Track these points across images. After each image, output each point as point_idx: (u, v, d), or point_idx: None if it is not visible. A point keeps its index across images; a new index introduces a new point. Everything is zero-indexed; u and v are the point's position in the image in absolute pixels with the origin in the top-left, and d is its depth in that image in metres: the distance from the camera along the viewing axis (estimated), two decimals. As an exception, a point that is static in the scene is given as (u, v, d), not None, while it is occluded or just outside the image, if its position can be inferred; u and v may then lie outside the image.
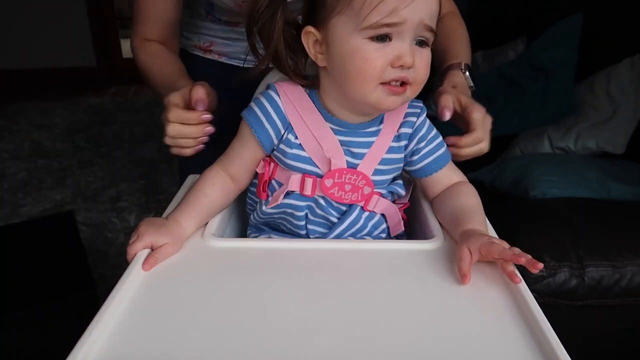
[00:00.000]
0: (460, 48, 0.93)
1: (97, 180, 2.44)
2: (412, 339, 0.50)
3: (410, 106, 0.72)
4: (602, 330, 1.06)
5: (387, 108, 0.65)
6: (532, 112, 1.69)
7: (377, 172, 0.70)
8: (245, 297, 0.57)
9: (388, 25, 0.59)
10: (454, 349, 0.49)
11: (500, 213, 0.88)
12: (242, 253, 0.65)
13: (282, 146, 0.69)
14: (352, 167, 0.68)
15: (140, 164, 2.61)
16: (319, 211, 0.70)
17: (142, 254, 0.63)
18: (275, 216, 0.73)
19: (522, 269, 0.59)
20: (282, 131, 0.69)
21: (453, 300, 0.56)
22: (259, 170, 0.73)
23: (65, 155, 2.72)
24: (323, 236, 0.71)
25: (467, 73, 0.89)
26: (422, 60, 0.63)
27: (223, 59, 1.10)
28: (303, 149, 0.68)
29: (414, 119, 0.71)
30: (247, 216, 0.80)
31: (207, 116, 0.76)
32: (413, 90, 0.64)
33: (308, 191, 0.69)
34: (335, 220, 0.71)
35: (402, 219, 0.75)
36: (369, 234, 0.72)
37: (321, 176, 0.69)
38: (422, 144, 0.72)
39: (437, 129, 0.75)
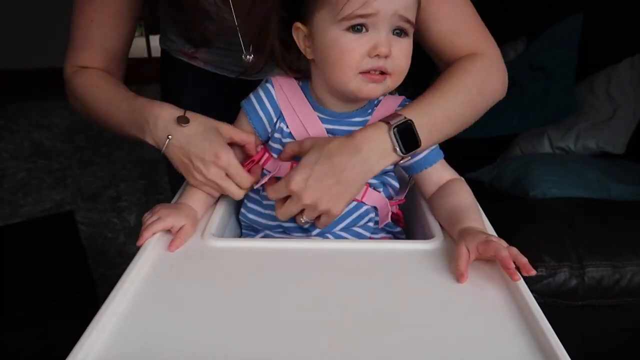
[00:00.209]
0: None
1: (97, 180, 2.45)
2: (412, 339, 0.50)
3: (403, 102, 0.74)
4: (602, 330, 1.05)
5: (367, 96, 0.67)
6: (532, 112, 1.69)
7: None
8: (245, 296, 0.57)
9: (362, 16, 0.62)
10: (454, 349, 0.49)
11: (500, 213, 0.88)
12: (242, 253, 0.65)
13: (276, 135, 0.73)
14: None
15: (140, 164, 2.61)
16: None
17: (149, 244, 0.64)
18: (265, 204, 0.74)
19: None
20: (275, 119, 0.73)
21: (453, 300, 0.56)
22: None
23: (65, 155, 2.72)
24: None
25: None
26: (400, 50, 0.64)
27: (209, 68, 1.04)
28: (293, 138, 0.71)
29: None
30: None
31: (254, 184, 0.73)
32: (393, 80, 0.66)
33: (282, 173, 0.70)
34: None
35: (397, 214, 0.76)
36: (354, 223, 0.72)
37: None
38: None
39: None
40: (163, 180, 2.40)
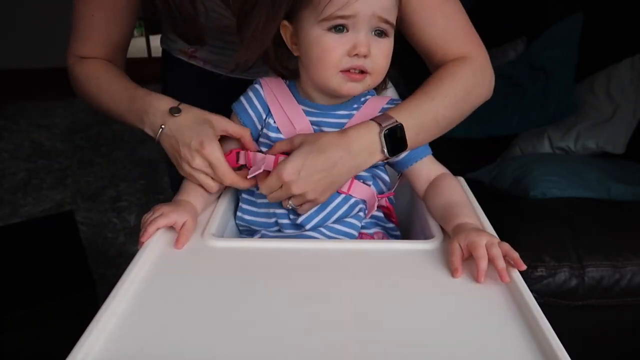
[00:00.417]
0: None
1: (97, 180, 2.45)
2: (412, 339, 0.50)
3: (390, 102, 0.75)
4: (602, 330, 1.05)
5: (348, 93, 0.70)
6: (532, 112, 1.69)
7: None
8: (244, 297, 0.57)
9: (342, 17, 0.64)
10: (454, 349, 0.49)
11: (500, 213, 0.88)
12: (242, 253, 0.65)
13: (264, 130, 0.75)
14: None
15: (140, 164, 2.61)
16: None
17: (149, 244, 0.65)
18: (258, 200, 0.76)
19: (522, 271, 0.59)
20: (264, 116, 0.76)
21: (453, 300, 0.56)
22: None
23: (65, 155, 2.72)
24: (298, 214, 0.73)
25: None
26: (379, 50, 0.67)
27: (208, 67, 1.04)
28: (280, 131, 0.74)
29: None
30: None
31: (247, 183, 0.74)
32: (373, 79, 0.69)
33: (270, 167, 0.71)
34: None
35: (387, 208, 0.78)
36: (345, 215, 0.73)
37: None
38: None
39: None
40: (163, 180, 2.40)
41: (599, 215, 1.11)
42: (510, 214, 1.14)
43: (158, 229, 0.67)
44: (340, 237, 0.72)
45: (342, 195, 0.73)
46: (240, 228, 0.79)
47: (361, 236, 0.74)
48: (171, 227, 0.68)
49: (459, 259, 0.60)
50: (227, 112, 0.78)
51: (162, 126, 0.73)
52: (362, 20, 0.65)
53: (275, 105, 0.75)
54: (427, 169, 0.75)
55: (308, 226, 0.72)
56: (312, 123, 0.73)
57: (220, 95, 1.03)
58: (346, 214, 0.73)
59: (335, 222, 0.73)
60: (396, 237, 0.78)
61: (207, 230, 0.69)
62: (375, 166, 0.73)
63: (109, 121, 3.20)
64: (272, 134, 0.74)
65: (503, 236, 0.64)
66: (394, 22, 0.67)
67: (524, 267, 0.58)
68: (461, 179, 0.80)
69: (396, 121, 0.69)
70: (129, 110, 0.78)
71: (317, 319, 0.53)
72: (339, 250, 0.66)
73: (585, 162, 1.40)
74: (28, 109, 3.35)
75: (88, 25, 0.83)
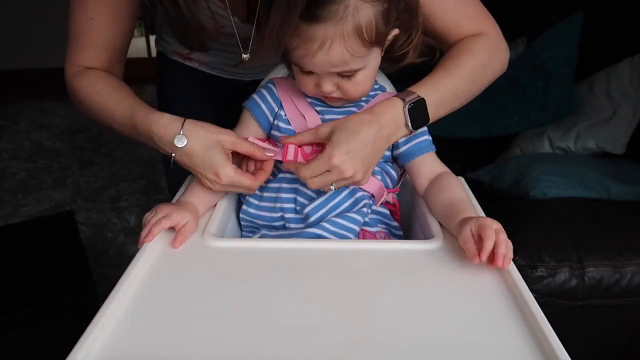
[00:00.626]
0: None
1: (97, 180, 2.45)
2: (412, 339, 0.50)
3: None
4: (602, 330, 1.05)
5: (333, 105, 0.75)
6: (532, 112, 1.69)
7: None
8: (244, 297, 0.57)
9: (302, 67, 0.68)
10: (454, 349, 0.49)
11: (500, 213, 0.88)
12: (242, 253, 0.65)
13: (276, 122, 0.77)
14: None
15: (140, 164, 2.61)
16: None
17: (148, 244, 0.65)
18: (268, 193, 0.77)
19: (522, 271, 0.59)
20: (276, 109, 0.78)
21: (453, 300, 0.56)
22: None
23: (65, 155, 2.72)
24: (307, 205, 0.73)
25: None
26: (349, 85, 0.69)
27: (204, 68, 1.05)
28: (290, 124, 0.76)
29: None
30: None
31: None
32: (353, 101, 0.74)
33: (290, 156, 0.72)
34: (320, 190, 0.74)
35: (394, 204, 0.80)
36: (349, 209, 0.74)
37: None
38: None
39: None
40: (163, 180, 2.40)
41: (599, 215, 1.11)
42: (510, 214, 1.14)
43: (162, 229, 0.67)
44: (342, 231, 0.72)
45: (349, 188, 0.74)
46: (243, 224, 0.79)
47: (363, 233, 0.74)
48: (172, 228, 0.68)
49: (474, 245, 0.60)
50: (223, 112, 0.78)
51: (173, 155, 0.73)
52: (321, 72, 0.68)
53: (288, 101, 0.77)
54: (429, 165, 0.77)
55: (313, 218, 0.73)
56: (319, 113, 0.76)
57: (215, 96, 1.04)
58: (350, 208, 0.74)
59: (338, 216, 0.73)
60: (399, 237, 0.78)
61: (207, 230, 0.69)
62: (384, 160, 0.76)
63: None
64: (283, 125, 0.77)
65: (503, 236, 0.63)
66: (361, 66, 0.67)
67: (506, 266, 0.59)
68: (461, 179, 0.80)
69: (418, 96, 0.71)
70: (136, 134, 0.77)
71: (316, 319, 0.53)
72: (339, 250, 0.66)
73: (585, 162, 1.40)
74: (28, 109, 3.35)
75: (88, 29, 0.80)
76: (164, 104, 1.07)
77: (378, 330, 0.52)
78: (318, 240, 0.70)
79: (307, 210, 0.73)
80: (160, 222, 0.67)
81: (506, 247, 0.59)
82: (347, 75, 0.68)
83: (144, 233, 0.67)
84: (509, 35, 0.84)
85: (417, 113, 0.71)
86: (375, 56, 0.69)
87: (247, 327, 0.52)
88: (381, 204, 0.78)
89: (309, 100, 0.77)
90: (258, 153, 0.73)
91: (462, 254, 0.64)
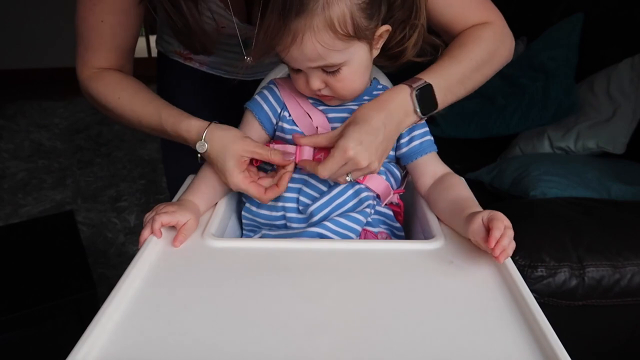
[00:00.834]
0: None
1: (97, 180, 2.45)
2: (412, 339, 0.50)
3: None
4: (602, 330, 1.05)
5: (328, 104, 0.76)
6: (532, 112, 1.69)
7: None
8: (244, 297, 0.57)
9: (287, 63, 0.69)
10: (454, 349, 0.49)
11: (500, 213, 0.88)
12: (242, 253, 0.65)
13: (280, 123, 0.78)
14: None
15: (140, 164, 2.61)
16: (311, 181, 0.75)
17: (148, 244, 0.65)
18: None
19: (522, 271, 0.59)
20: (279, 110, 0.78)
21: (453, 301, 0.56)
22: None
23: (65, 155, 2.72)
24: (312, 203, 0.74)
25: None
26: (335, 82, 0.70)
27: (204, 68, 1.06)
28: (296, 125, 0.76)
29: None
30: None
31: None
32: (344, 98, 0.73)
33: (305, 157, 0.73)
34: (324, 189, 0.75)
35: (399, 205, 0.80)
36: (353, 208, 0.74)
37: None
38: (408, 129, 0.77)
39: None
40: (163, 180, 2.40)
41: (599, 215, 1.11)
42: (510, 214, 1.14)
43: (162, 225, 0.67)
44: (344, 231, 0.72)
45: (354, 188, 0.74)
46: (244, 222, 0.79)
47: (365, 233, 0.74)
48: (172, 227, 0.68)
49: (484, 232, 0.61)
50: (223, 112, 0.78)
51: (199, 155, 0.76)
52: (302, 67, 0.68)
53: (291, 101, 0.77)
54: (433, 165, 0.77)
55: (317, 217, 0.73)
56: (323, 112, 0.76)
57: (215, 95, 1.04)
58: (354, 208, 0.74)
59: (341, 215, 0.73)
60: (400, 238, 0.78)
61: (207, 230, 0.69)
62: (388, 160, 0.77)
63: (109, 121, 3.21)
64: (287, 126, 0.77)
65: (503, 236, 0.63)
66: (341, 60, 0.67)
67: (501, 260, 0.59)
68: (462, 179, 0.80)
69: (425, 82, 0.72)
70: (166, 135, 0.80)
71: (316, 319, 0.53)
72: (339, 251, 0.66)
73: (585, 162, 1.40)
74: (28, 109, 3.35)
75: (99, 32, 0.81)
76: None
77: (378, 330, 0.52)
78: (318, 240, 0.70)
79: (311, 209, 0.73)
80: (160, 216, 0.67)
81: (509, 243, 0.59)
82: (331, 70, 0.68)
83: (143, 232, 0.67)
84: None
85: (425, 98, 0.72)
86: (359, 51, 0.68)
87: (247, 327, 0.52)
88: (385, 205, 0.78)
89: (311, 101, 0.77)
90: (276, 158, 0.73)
91: (463, 254, 0.64)
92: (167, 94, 1.09)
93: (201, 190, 0.75)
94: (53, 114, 3.25)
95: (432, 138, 0.78)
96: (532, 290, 0.56)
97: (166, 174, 1.13)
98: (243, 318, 0.53)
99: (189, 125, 0.76)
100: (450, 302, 0.56)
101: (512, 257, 0.62)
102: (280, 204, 0.75)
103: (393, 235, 0.78)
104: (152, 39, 4.11)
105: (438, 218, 0.73)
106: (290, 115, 0.77)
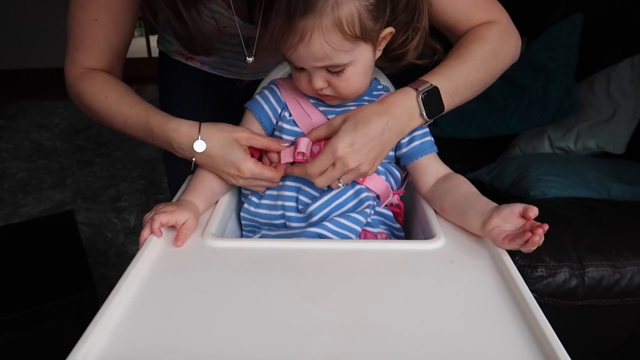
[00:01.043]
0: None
1: (97, 180, 2.45)
2: (412, 339, 0.50)
3: None
4: (602, 330, 1.05)
5: (329, 103, 0.75)
6: (532, 112, 1.69)
7: None
8: (244, 297, 0.57)
9: (291, 62, 0.69)
10: (454, 349, 0.49)
11: (500, 213, 0.88)
12: (242, 253, 0.65)
13: (280, 123, 0.77)
14: None
15: (140, 164, 2.61)
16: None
17: (148, 244, 0.64)
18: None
19: (522, 271, 0.59)
20: (279, 110, 0.78)
21: (453, 300, 0.56)
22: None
23: (65, 155, 2.72)
24: (312, 203, 0.74)
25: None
26: (338, 82, 0.69)
27: (206, 68, 1.05)
28: (297, 125, 0.76)
29: None
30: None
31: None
32: (345, 98, 0.73)
33: (302, 148, 0.73)
34: (324, 188, 0.74)
35: (399, 205, 0.79)
36: (353, 209, 0.74)
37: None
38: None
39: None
40: (163, 180, 2.40)
41: (599, 215, 1.11)
42: (510, 214, 1.14)
43: (161, 224, 0.67)
44: (344, 231, 0.72)
45: (354, 188, 0.74)
46: (244, 222, 0.79)
47: (364, 234, 0.74)
48: (172, 227, 0.68)
49: (523, 222, 0.61)
50: (224, 112, 0.78)
51: (193, 159, 0.75)
52: (307, 67, 0.68)
53: (292, 101, 0.77)
54: (435, 165, 0.77)
55: (316, 217, 0.73)
56: (324, 113, 0.76)
57: (217, 95, 1.04)
58: (354, 209, 0.74)
59: (341, 215, 0.73)
60: (400, 239, 0.78)
61: (207, 230, 0.69)
62: (388, 161, 0.76)
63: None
64: (287, 126, 0.77)
65: (503, 236, 0.63)
66: (347, 61, 0.67)
67: (536, 234, 0.58)
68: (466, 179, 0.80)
69: (431, 85, 0.71)
70: (152, 140, 0.78)
71: (317, 319, 0.53)
72: (339, 251, 0.66)
73: (585, 162, 1.40)
74: (28, 109, 3.35)
75: (90, 30, 0.80)
76: (165, 104, 1.07)
77: (378, 330, 0.52)
78: (318, 240, 0.70)
79: (310, 209, 0.73)
80: (159, 216, 0.67)
81: (540, 236, 0.59)
82: (336, 71, 0.68)
83: (143, 232, 0.67)
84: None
85: (432, 102, 0.71)
86: (364, 52, 0.69)
87: (247, 327, 0.52)
88: (386, 205, 0.78)
89: (312, 101, 0.77)
90: (273, 145, 0.74)
91: (463, 254, 0.64)
92: (168, 93, 1.09)
93: (199, 190, 0.75)
94: (53, 114, 3.25)
95: (432, 139, 0.77)
96: (532, 290, 0.56)
97: (167, 174, 1.13)
98: (243, 318, 0.53)
99: (179, 126, 0.74)
100: (450, 302, 0.56)
101: (512, 257, 0.62)
102: (279, 202, 0.75)
103: (393, 236, 0.77)
104: (152, 39, 4.13)
105: (440, 216, 0.73)
106: (290, 116, 0.77)
